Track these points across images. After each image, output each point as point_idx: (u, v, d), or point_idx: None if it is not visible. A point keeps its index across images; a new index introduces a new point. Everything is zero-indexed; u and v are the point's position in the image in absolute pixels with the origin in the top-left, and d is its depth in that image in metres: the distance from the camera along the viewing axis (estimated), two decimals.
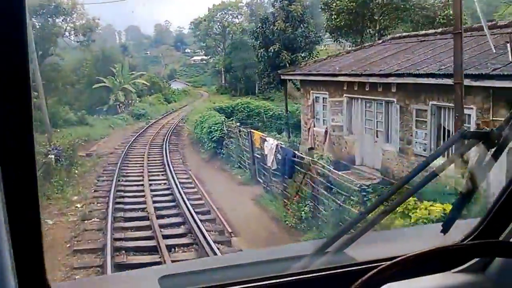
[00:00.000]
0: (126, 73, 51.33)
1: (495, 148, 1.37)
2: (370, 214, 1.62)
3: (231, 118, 29.99)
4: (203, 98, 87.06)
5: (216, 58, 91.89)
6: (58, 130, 31.88)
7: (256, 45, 47.21)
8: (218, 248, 11.39)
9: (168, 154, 24.37)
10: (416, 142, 15.87)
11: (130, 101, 49.95)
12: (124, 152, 24.82)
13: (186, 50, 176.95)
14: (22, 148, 0.98)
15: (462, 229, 1.64)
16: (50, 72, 36.32)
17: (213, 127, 25.78)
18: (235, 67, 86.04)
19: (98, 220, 14.54)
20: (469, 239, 1.58)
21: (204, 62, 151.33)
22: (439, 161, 1.56)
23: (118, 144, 28.46)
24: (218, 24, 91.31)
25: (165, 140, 29.51)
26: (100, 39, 51.02)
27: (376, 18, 32.04)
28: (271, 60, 43.58)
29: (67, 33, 41.88)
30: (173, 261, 10.90)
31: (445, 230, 1.60)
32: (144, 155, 24.22)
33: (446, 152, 2.00)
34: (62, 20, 40.57)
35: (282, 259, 1.70)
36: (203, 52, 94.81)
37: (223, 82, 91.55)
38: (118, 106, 47.99)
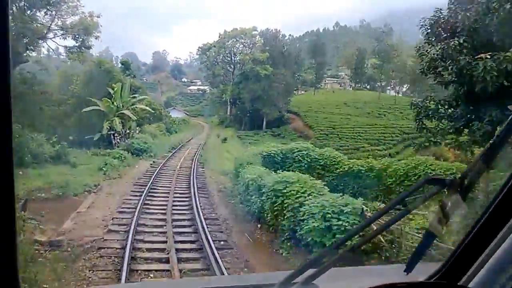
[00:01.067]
0: (126, 96, 38.67)
1: (456, 195, 1.40)
2: (339, 249, 1.59)
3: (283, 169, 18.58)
4: (206, 130, 75.08)
5: (221, 87, 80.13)
6: (21, 173, 19.75)
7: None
8: None
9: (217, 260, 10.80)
10: None
11: (128, 131, 37.37)
12: (125, 247, 11.17)
13: (183, 79, 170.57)
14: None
15: (426, 270, 1.64)
16: (21, 84, 24.25)
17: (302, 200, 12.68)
18: (243, 98, 75.23)
19: None
20: (431, 280, 1.60)
21: (201, 92, 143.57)
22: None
23: (114, 218, 14.51)
24: (228, 51, 79.89)
25: (195, 211, 15.51)
26: (97, 47, 39.33)
27: None
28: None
29: (51, 33, 29.54)
30: None
31: (408, 270, 1.60)
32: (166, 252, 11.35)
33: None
34: (46, 14, 28.16)
35: (250, 287, 1.77)
36: (208, 80, 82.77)
37: (228, 113, 79.71)
38: (112, 136, 35.68)
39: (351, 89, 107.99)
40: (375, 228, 1.72)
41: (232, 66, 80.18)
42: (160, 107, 68.67)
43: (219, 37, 78.88)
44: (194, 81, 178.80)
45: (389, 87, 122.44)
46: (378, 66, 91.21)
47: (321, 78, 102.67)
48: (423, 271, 1.64)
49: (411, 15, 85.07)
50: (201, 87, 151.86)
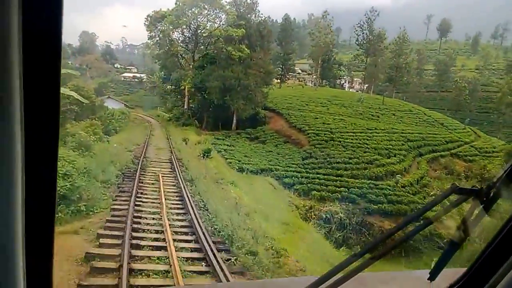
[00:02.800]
0: None
1: (483, 205, 1.38)
2: (360, 259, 1.53)
3: None
4: (157, 130, 52.60)
5: (177, 73, 57.78)
6: None
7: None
8: None
9: None
10: None
11: None
12: None
13: (116, 65, 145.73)
14: (46, 152, 0.97)
15: (449, 278, 1.64)
16: None
17: None
18: (208, 87, 53.60)
19: None
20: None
21: (137, 80, 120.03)
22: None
23: None
24: (188, 24, 57.53)
25: None
26: None
27: None
28: None
29: None
30: None
31: (431, 277, 1.58)
32: None
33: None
34: None
35: None
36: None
37: (185, 107, 57.54)
38: None
39: (313, 85, 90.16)
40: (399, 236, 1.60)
41: (193, 44, 57.96)
42: (92, 95, 45.50)
43: (176, 3, 56.08)
44: (129, 67, 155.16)
45: (347, 84, 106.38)
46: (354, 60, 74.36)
47: (288, 70, 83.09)
48: (446, 279, 1.60)
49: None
50: (138, 75, 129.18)
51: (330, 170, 39.66)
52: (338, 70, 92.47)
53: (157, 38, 58.02)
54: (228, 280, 8.73)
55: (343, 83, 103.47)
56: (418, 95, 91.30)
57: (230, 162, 37.63)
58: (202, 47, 58.39)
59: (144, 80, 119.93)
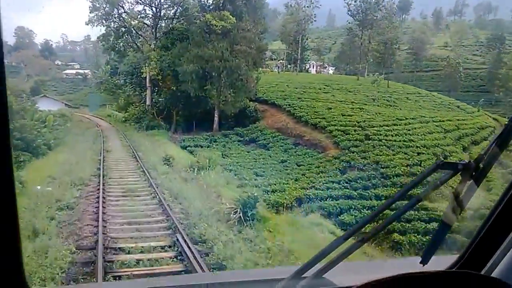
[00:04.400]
0: None
1: (472, 179, 1.24)
2: (348, 240, 1.41)
3: None
4: (113, 137, 34.59)
5: (131, 56, 39.88)
6: None
7: None
8: None
9: None
10: None
11: None
12: None
13: (56, 62, 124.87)
14: None
15: (443, 262, 1.50)
16: None
17: None
18: (182, 74, 35.29)
19: None
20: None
21: (80, 76, 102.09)
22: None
23: None
24: None
25: None
26: None
27: None
28: None
29: None
30: None
31: (424, 261, 1.39)
32: None
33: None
34: None
35: (261, 281, 1.63)
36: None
37: (148, 102, 39.72)
38: None
39: (280, 71, 74.83)
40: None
41: (155, 14, 39.92)
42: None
43: None
44: (70, 63, 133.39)
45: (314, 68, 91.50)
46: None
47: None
48: (440, 263, 1.47)
49: None
50: (81, 71, 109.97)
51: (393, 188, 24.22)
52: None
53: (102, 11, 39.45)
54: None
55: (308, 68, 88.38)
56: (409, 76, 77.88)
57: (244, 190, 20.97)
58: (166, 19, 40.48)
59: (89, 76, 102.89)
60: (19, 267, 1.03)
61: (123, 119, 47.38)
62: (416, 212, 19.77)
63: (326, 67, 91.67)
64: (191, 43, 35.82)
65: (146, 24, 40.11)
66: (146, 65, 36.81)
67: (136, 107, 42.91)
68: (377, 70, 65.54)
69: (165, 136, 35.12)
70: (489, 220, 1.35)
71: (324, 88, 47.24)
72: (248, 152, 32.73)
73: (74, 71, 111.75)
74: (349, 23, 58.46)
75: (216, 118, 39.20)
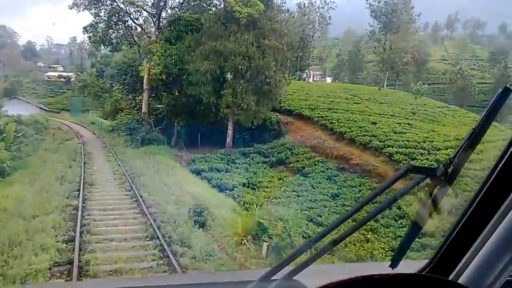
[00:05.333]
0: None
1: (441, 184, 1.21)
2: (319, 242, 1.36)
3: None
4: (95, 154, 24.55)
5: (131, 52, 30.13)
6: None
7: None
8: None
9: None
10: None
11: None
12: None
13: (39, 64, 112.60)
14: None
15: (413, 266, 1.45)
16: None
17: None
18: (194, 73, 24.80)
19: None
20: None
21: (63, 79, 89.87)
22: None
23: None
24: None
25: None
26: None
27: None
28: None
29: None
30: None
31: (393, 265, 1.32)
32: None
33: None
34: None
35: (231, 283, 1.60)
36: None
37: (144, 109, 29.90)
38: None
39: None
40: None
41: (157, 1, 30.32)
42: None
43: None
44: (53, 66, 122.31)
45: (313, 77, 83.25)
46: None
47: None
48: (409, 267, 1.41)
49: None
50: (64, 73, 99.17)
51: None
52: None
53: None
54: None
55: (305, 77, 79.92)
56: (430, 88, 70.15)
57: None
58: (171, 9, 31.07)
59: (72, 79, 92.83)
60: None
61: (110, 128, 37.58)
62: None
63: (325, 76, 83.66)
64: (206, 34, 26.54)
65: (146, 10, 30.57)
66: (146, 61, 27.24)
67: (128, 114, 33.20)
68: (393, 80, 57.60)
69: (167, 154, 25.64)
70: (458, 225, 1.28)
71: (352, 98, 38.54)
72: (280, 180, 23.59)
73: (56, 74, 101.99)
74: (370, 25, 49.99)
75: (230, 131, 29.98)
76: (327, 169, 24.56)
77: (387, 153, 23.84)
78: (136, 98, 33.17)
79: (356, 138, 25.99)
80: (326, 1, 49.55)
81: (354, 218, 1.34)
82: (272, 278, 1.29)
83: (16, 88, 77.09)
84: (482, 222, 1.25)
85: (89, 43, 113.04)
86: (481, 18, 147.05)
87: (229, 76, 27.76)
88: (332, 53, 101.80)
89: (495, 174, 1.18)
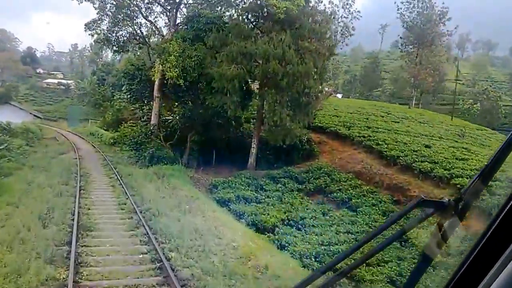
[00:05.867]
0: None
1: (452, 218, 1.17)
2: (325, 274, 1.31)
3: None
4: (95, 175, 19.06)
5: (136, 51, 25.18)
6: None
7: None
8: None
9: None
10: None
11: None
12: None
13: (38, 71, 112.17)
14: None
15: None
16: None
17: None
18: (218, 79, 19.51)
19: None
20: None
21: (63, 87, 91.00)
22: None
23: None
24: None
25: None
26: None
27: None
28: None
29: None
30: None
31: None
32: None
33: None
34: None
35: None
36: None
37: (153, 121, 24.46)
38: None
39: None
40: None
41: None
42: None
43: None
44: (53, 72, 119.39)
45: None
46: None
47: None
48: None
49: None
50: (64, 81, 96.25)
51: None
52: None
53: None
54: None
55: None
56: (447, 109, 65.95)
57: None
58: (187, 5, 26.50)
59: (72, 87, 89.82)
60: None
61: (112, 140, 32.76)
62: None
63: (337, 92, 79.64)
64: (232, 33, 21.90)
65: (160, 4, 25.90)
66: (159, 62, 22.53)
67: (133, 126, 28.34)
68: (418, 98, 53.10)
69: (182, 176, 20.69)
70: (469, 258, 1.20)
71: (387, 116, 33.91)
72: (325, 215, 18.66)
73: (56, 81, 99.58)
74: (401, 37, 45.43)
75: (253, 149, 25.21)
76: (380, 201, 19.73)
77: (457, 184, 19.00)
78: (144, 107, 28.36)
79: (413, 165, 21.15)
80: (350, 11, 45.10)
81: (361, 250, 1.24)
82: None
83: (11, 93, 72.75)
84: (493, 255, 1.13)
85: (90, 50, 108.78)
86: (492, 39, 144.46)
87: (256, 84, 23.07)
88: (341, 69, 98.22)
89: (507, 208, 1.06)
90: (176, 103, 25.75)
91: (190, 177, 21.53)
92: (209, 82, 22.14)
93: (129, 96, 28.32)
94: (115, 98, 47.32)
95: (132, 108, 46.61)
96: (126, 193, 14.96)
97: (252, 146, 25.50)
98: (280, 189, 21.51)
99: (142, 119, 28.27)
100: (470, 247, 1.20)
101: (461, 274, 1.21)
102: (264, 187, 21.43)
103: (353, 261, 1.27)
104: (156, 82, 25.39)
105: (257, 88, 25.27)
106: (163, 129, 26.94)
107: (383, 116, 33.29)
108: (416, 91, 45.80)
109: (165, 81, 22.61)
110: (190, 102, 24.77)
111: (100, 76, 77.25)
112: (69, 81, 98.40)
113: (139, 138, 25.03)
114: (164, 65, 21.83)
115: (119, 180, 17.45)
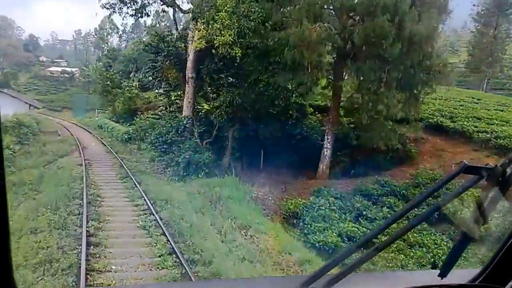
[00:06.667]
0: None
1: (498, 186, 1.07)
2: (362, 249, 1.25)
3: None
4: (110, 193, 11.13)
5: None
6: None
7: None
8: None
9: None
10: None
11: None
12: None
13: (41, 58, 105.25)
14: None
15: (463, 276, 1.29)
16: None
17: None
18: (291, 45, 12.45)
19: None
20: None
21: (67, 75, 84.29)
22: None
23: None
24: None
25: None
26: None
27: None
28: None
29: None
30: None
31: (442, 274, 1.22)
32: None
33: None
34: None
35: None
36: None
37: (186, 113, 16.38)
38: None
39: None
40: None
41: None
42: None
43: None
44: (57, 60, 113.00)
45: None
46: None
47: None
48: (460, 276, 1.27)
49: None
50: (68, 69, 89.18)
51: None
52: None
53: None
54: None
55: None
56: None
57: None
58: None
59: (77, 75, 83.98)
60: (8, 267, 0.92)
61: (126, 136, 25.65)
62: None
63: None
64: None
65: None
66: (201, 24, 15.06)
67: (156, 118, 20.99)
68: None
69: (243, 197, 13.36)
70: None
71: (481, 102, 26.19)
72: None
73: (60, 69, 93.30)
74: (474, 5, 37.10)
75: (327, 151, 17.85)
76: None
77: None
78: (171, 92, 20.92)
79: None
80: None
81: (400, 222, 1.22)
82: (310, 287, 1.17)
83: (9, 81, 66.21)
84: None
85: (95, 35, 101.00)
86: None
87: (356, 53, 15.55)
88: None
89: None
90: (218, 87, 18.31)
91: (252, 197, 14.16)
92: (275, 54, 14.67)
93: (151, 77, 20.79)
94: (123, 85, 40.55)
95: (147, 96, 39.44)
96: (175, 251, 7.70)
97: (325, 145, 18.21)
98: (378, 214, 14.13)
99: (169, 109, 20.85)
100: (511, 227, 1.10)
101: (499, 258, 1.12)
102: (364, 213, 14.04)
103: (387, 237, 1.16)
104: (190, 57, 17.96)
105: (333, 60, 17.64)
106: (198, 122, 19.53)
107: (476, 103, 25.58)
108: (491, 73, 37.84)
109: (217, 49, 15.01)
110: (237, 84, 17.34)
111: (106, 63, 70.59)
112: (73, 69, 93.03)
113: (169, 136, 17.66)
114: (208, 28, 14.30)
115: (154, 215, 10.10)
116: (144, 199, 11.62)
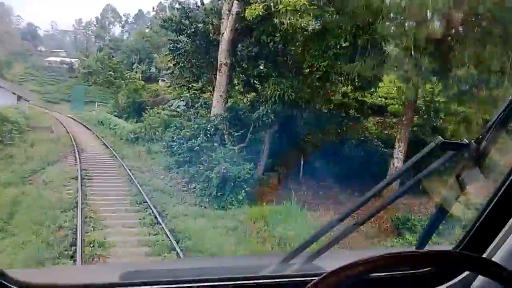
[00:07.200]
0: None
1: (473, 161, 1.11)
2: (341, 224, 1.26)
3: None
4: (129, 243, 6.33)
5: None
6: None
7: None
8: None
9: None
10: None
11: None
12: None
13: (40, 48, 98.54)
14: None
15: (440, 248, 1.35)
16: None
17: None
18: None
19: None
20: None
21: (66, 65, 79.28)
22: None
23: None
24: None
25: None
26: None
27: None
28: None
29: None
30: None
31: (419, 247, 1.26)
32: None
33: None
34: None
35: (246, 267, 1.52)
36: None
37: (216, 110, 12.30)
38: None
39: None
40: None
41: None
42: None
43: None
44: (56, 50, 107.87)
45: None
46: None
47: None
48: (437, 248, 1.32)
49: None
50: (67, 59, 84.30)
51: None
52: None
53: None
54: None
55: None
56: None
57: None
58: None
59: (76, 66, 79.12)
60: None
61: (132, 135, 21.17)
62: None
63: None
64: None
65: None
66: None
67: (175, 116, 16.45)
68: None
69: (300, 223, 8.87)
70: (492, 200, 1.19)
71: None
72: None
73: (58, 59, 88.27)
74: None
75: (397, 162, 13.48)
76: None
77: None
78: (193, 82, 16.35)
79: None
80: None
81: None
82: (290, 262, 1.20)
83: (1, 69, 62.01)
84: None
85: (96, 24, 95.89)
86: None
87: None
88: None
89: None
90: (263, 76, 13.79)
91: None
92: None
93: (173, 62, 16.17)
94: (127, 75, 36.63)
95: (155, 89, 35.29)
96: None
97: (396, 155, 13.77)
98: None
99: (190, 104, 16.29)
100: (487, 199, 1.14)
101: (486, 215, 1.15)
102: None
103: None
104: (225, 37, 13.37)
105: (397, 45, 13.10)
106: (228, 122, 14.99)
107: None
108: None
109: (246, 32, 10.46)
110: (292, 74, 12.81)
111: (107, 53, 66.58)
112: (73, 60, 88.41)
113: (196, 142, 13.12)
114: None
115: None
116: (176, 251, 7.09)
